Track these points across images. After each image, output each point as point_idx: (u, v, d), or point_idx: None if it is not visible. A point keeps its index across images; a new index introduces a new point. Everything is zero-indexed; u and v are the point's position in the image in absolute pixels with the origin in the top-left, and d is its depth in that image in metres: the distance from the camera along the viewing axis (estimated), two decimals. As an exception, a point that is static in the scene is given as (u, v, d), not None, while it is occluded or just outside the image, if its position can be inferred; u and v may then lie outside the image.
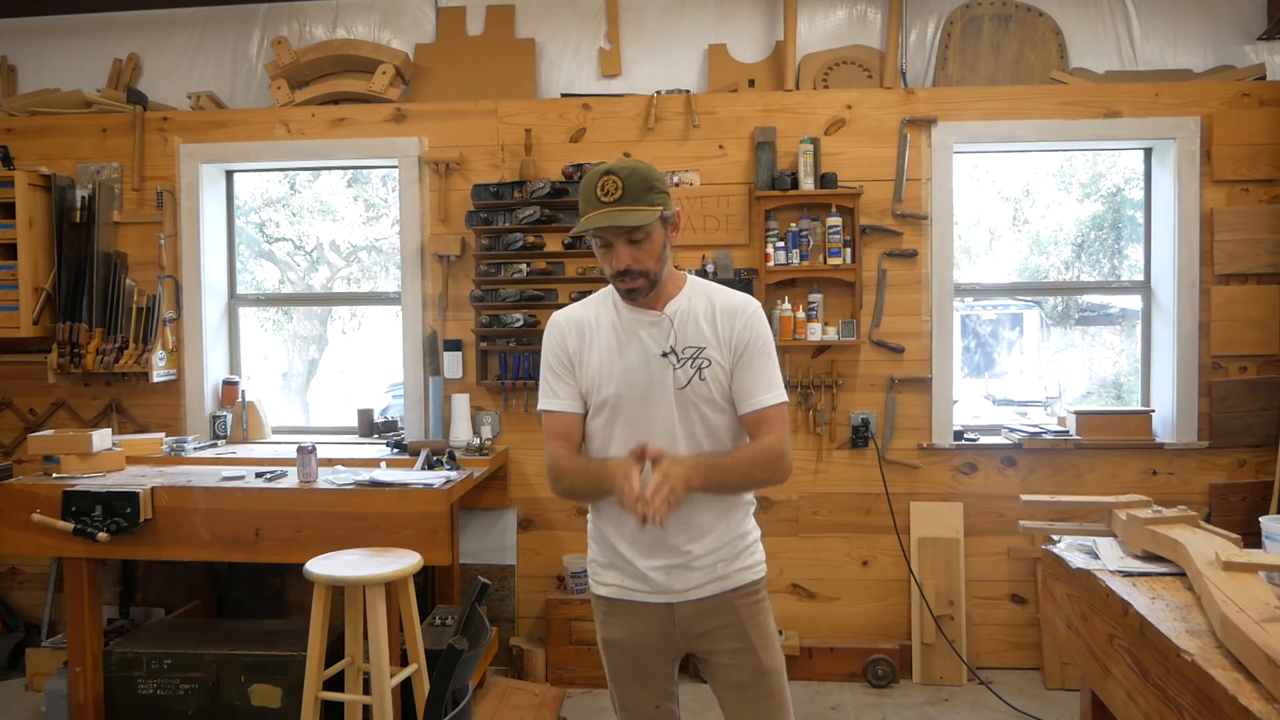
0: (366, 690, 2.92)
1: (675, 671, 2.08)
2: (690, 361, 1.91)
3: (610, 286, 1.96)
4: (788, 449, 1.93)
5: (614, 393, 1.92)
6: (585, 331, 1.97)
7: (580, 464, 1.96)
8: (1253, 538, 2.33)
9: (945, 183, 4.02)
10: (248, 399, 4.35)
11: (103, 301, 4.21)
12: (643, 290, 1.88)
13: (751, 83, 4.18)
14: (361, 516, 3.21)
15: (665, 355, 1.91)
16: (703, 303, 1.95)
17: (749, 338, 1.92)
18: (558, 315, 2.02)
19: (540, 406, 2.00)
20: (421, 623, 3.11)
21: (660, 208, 1.84)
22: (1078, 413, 4.03)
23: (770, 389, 1.92)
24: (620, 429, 1.93)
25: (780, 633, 1.99)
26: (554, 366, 1.98)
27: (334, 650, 3.09)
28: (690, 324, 1.93)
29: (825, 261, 3.94)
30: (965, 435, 4.10)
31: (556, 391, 1.97)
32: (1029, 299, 5.51)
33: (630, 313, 1.93)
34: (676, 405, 1.90)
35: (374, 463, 3.70)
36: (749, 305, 1.96)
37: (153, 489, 3.28)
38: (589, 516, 2.07)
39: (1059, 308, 5.50)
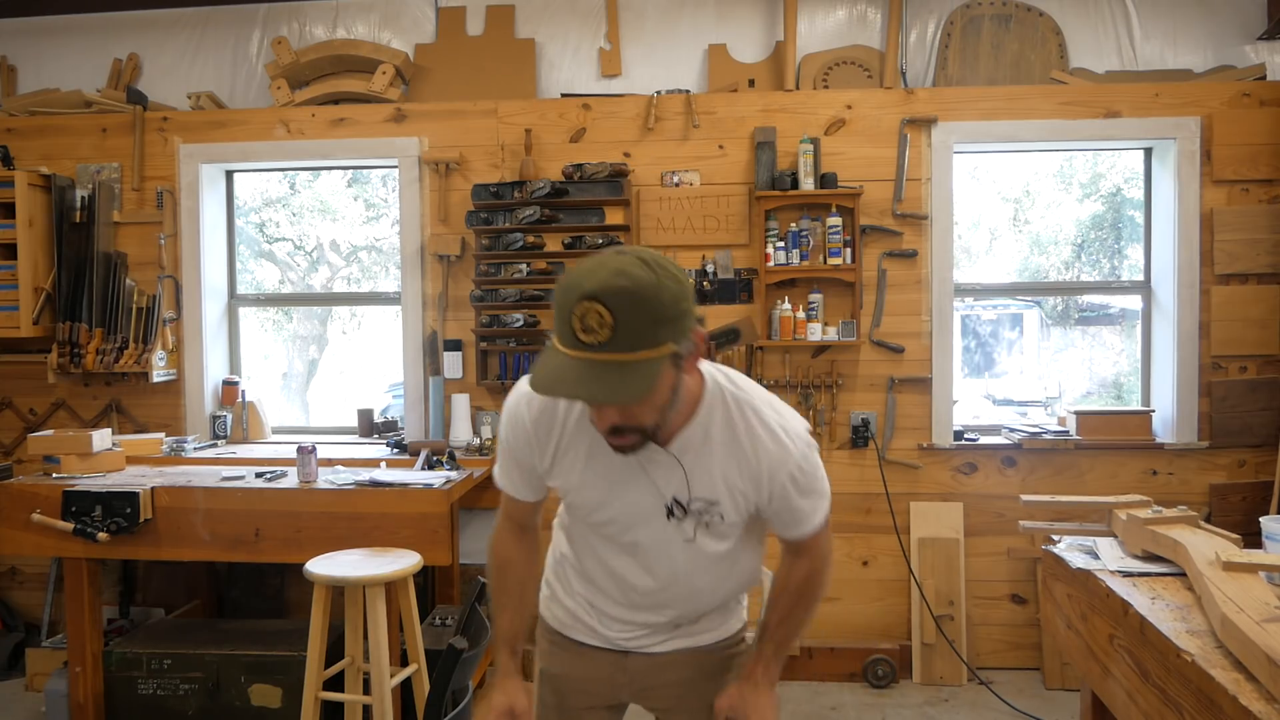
0: (366, 690, 2.92)
1: None
2: (699, 517, 1.51)
3: None
4: (828, 562, 1.62)
5: (600, 522, 1.57)
6: (554, 440, 1.52)
7: (501, 582, 1.71)
8: (1253, 538, 2.33)
9: (945, 183, 4.02)
10: (248, 399, 4.35)
11: (103, 301, 4.20)
12: (637, 446, 1.40)
13: (751, 83, 4.18)
14: (361, 516, 3.21)
15: (671, 513, 1.51)
16: (726, 440, 1.47)
17: (785, 498, 1.50)
18: (520, 403, 1.54)
19: (495, 480, 1.66)
20: (421, 623, 3.11)
21: (669, 346, 1.27)
22: (1078, 413, 4.03)
23: (812, 517, 1.54)
24: (604, 547, 1.60)
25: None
26: (513, 454, 1.59)
27: (334, 650, 3.09)
28: (703, 470, 1.48)
29: (825, 261, 3.94)
30: (965, 435, 4.10)
31: (512, 479, 1.63)
32: (1029, 299, 5.51)
33: None
34: (684, 551, 1.55)
35: (374, 463, 3.71)
36: (787, 461, 1.47)
37: (153, 489, 3.28)
38: (558, 534, 1.76)
39: (1059, 308, 5.50)
